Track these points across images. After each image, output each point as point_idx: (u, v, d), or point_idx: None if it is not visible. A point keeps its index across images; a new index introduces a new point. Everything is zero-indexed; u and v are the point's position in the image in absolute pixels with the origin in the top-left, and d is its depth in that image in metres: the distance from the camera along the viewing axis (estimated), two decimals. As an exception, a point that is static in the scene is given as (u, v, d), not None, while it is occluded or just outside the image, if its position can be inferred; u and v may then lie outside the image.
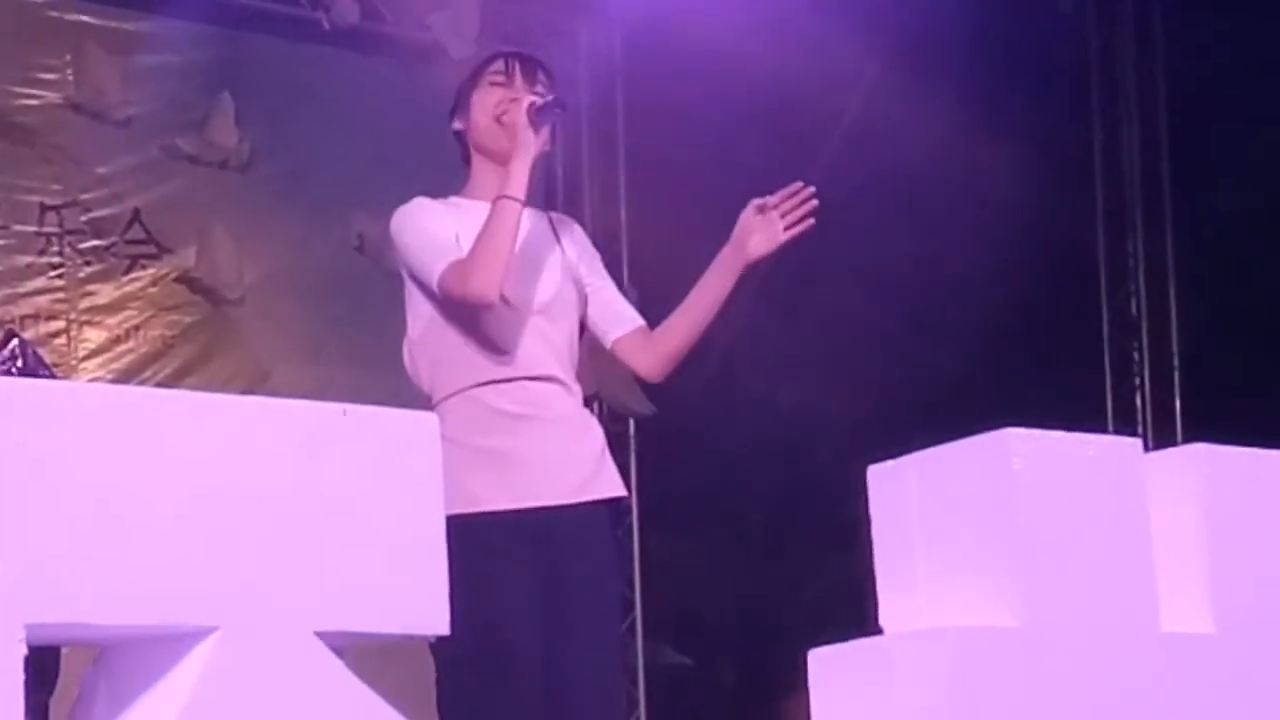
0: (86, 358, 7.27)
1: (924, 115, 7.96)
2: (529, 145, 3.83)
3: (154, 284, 7.45)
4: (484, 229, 3.76)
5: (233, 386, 7.34)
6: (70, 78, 7.34)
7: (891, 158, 8.00)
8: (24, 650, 2.21)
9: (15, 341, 4.56)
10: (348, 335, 7.48)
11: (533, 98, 3.88)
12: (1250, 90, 8.21)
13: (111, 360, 7.31)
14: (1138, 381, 8.93)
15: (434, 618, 2.48)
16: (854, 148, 8.13)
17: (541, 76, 3.98)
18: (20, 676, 2.20)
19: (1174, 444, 3.78)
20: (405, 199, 4.00)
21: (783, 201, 3.94)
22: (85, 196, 7.36)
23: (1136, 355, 8.94)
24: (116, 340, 7.35)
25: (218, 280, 7.55)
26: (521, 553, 3.75)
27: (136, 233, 7.46)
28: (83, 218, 7.34)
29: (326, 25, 7.67)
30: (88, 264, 7.33)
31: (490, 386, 3.81)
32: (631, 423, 8.19)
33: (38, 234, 7.26)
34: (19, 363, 4.46)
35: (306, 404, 2.48)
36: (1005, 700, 2.76)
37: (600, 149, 8.07)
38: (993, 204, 8.13)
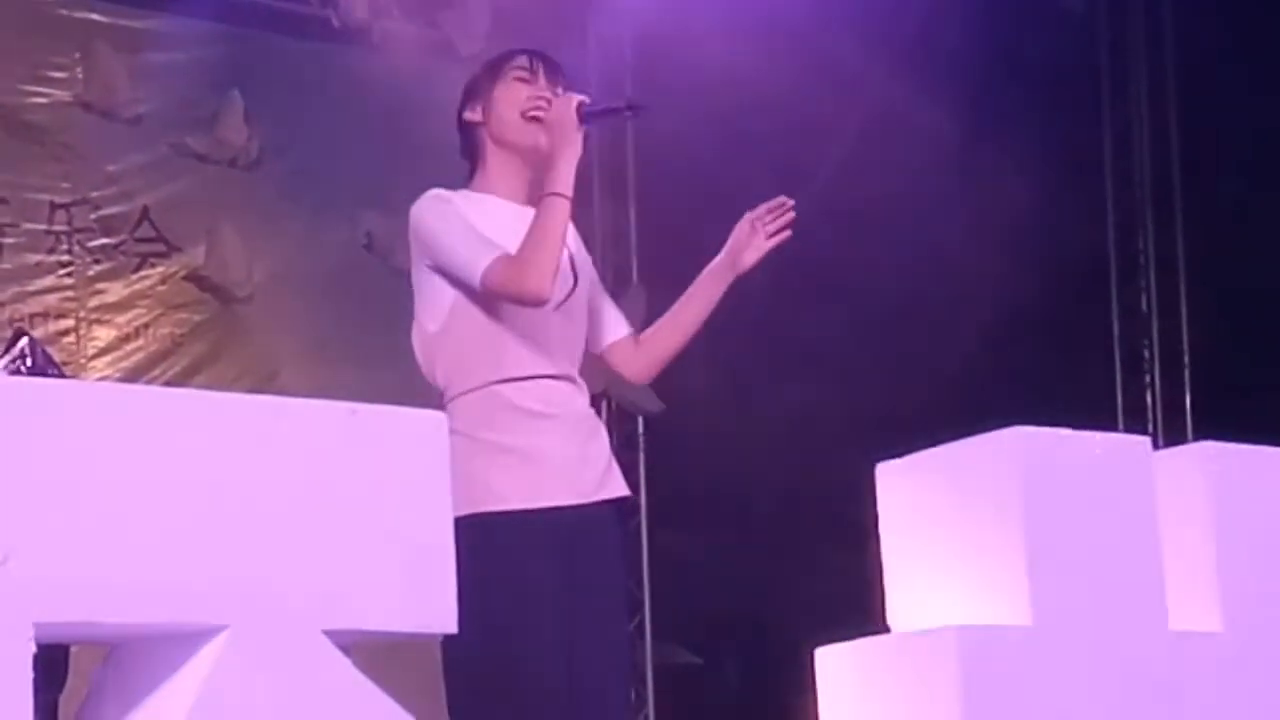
0: (95, 356, 7.27)
1: (934, 113, 7.96)
2: (577, 144, 3.84)
3: (163, 282, 7.46)
4: (536, 226, 3.76)
5: (241, 384, 7.35)
6: (79, 76, 7.35)
7: (902, 155, 7.99)
8: (33, 648, 2.21)
9: (25, 340, 4.55)
10: (356, 333, 7.48)
11: (582, 97, 3.88)
12: (1261, 87, 8.20)
13: (120, 359, 7.32)
14: (1148, 378, 8.92)
15: (442, 616, 2.48)
16: (865, 145, 8.12)
17: (561, 78, 3.98)
18: (29, 675, 2.21)
19: (1185, 441, 3.79)
20: (414, 197, 3.98)
21: (767, 214, 3.99)
22: (94, 194, 7.36)
23: (1147, 352, 8.93)
24: (125, 338, 7.35)
25: (226, 278, 7.55)
26: (542, 553, 3.74)
27: (146, 231, 7.47)
28: (92, 216, 7.35)
29: (336, 23, 7.67)
30: (97, 262, 7.34)
31: (512, 384, 3.80)
32: (640, 421, 8.19)
33: (47, 232, 7.27)
34: (28, 361, 4.46)
35: (315, 403, 2.48)
36: (1013, 698, 2.76)
37: (609, 146, 8.07)
38: (1003, 201, 8.12)
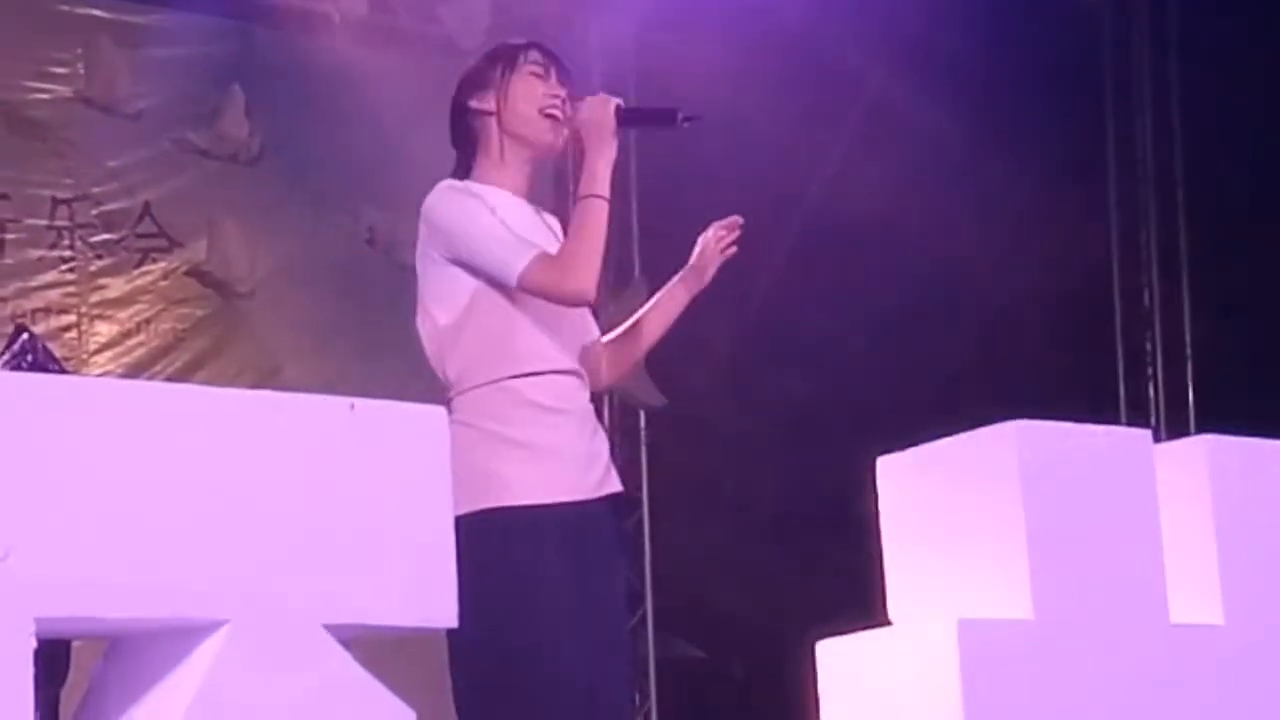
0: (97, 351, 7.28)
1: (937, 107, 7.96)
2: (614, 146, 3.86)
3: (165, 277, 7.47)
4: (579, 227, 3.78)
5: (243, 379, 7.35)
6: (81, 71, 7.35)
7: (904, 152, 7.99)
8: (33, 643, 2.21)
9: (25, 336, 4.57)
10: (358, 328, 7.48)
11: (618, 100, 3.90)
12: (1264, 81, 8.19)
13: (122, 354, 7.33)
14: (1151, 371, 8.92)
15: (443, 611, 2.48)
16: (867, 140, 8.12)
17: (567, 75, 3.99)
18: (30, 670, 2.21)
19: (1187, 434, 3.78)
20: (415, 191, 3.97)
21: (724, 230, 4.09)
22: (96, 190, 7.37)
23: (1149, 345, 8.93)
24: (127, 334, 7.36)
25: (228, 273, 7.56)
26: (554, 548, 3.74)
27: (147, 226, 7.48)
28: (94, 211, 7.36)
29: (337, 18, 7.67)
30: (99, 258, 7.34)
31: (527, 378, 3.80)
32: (642, 415, 8.19)
33: (49, 228, 7.27)
34: (29, 357, 4.47)
35: (314, 398, 2.48)
36: (1014, 691, 2.76)
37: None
38: (1006, 195, 8.12)
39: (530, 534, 3.69)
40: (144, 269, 7.43)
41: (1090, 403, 7.70)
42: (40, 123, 7.26)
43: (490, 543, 3.61)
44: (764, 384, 8.10)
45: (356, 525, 2.42)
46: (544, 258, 3.75)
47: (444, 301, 3.83)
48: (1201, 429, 3.29)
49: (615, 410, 8.04)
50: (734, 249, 4.10)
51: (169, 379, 7.15)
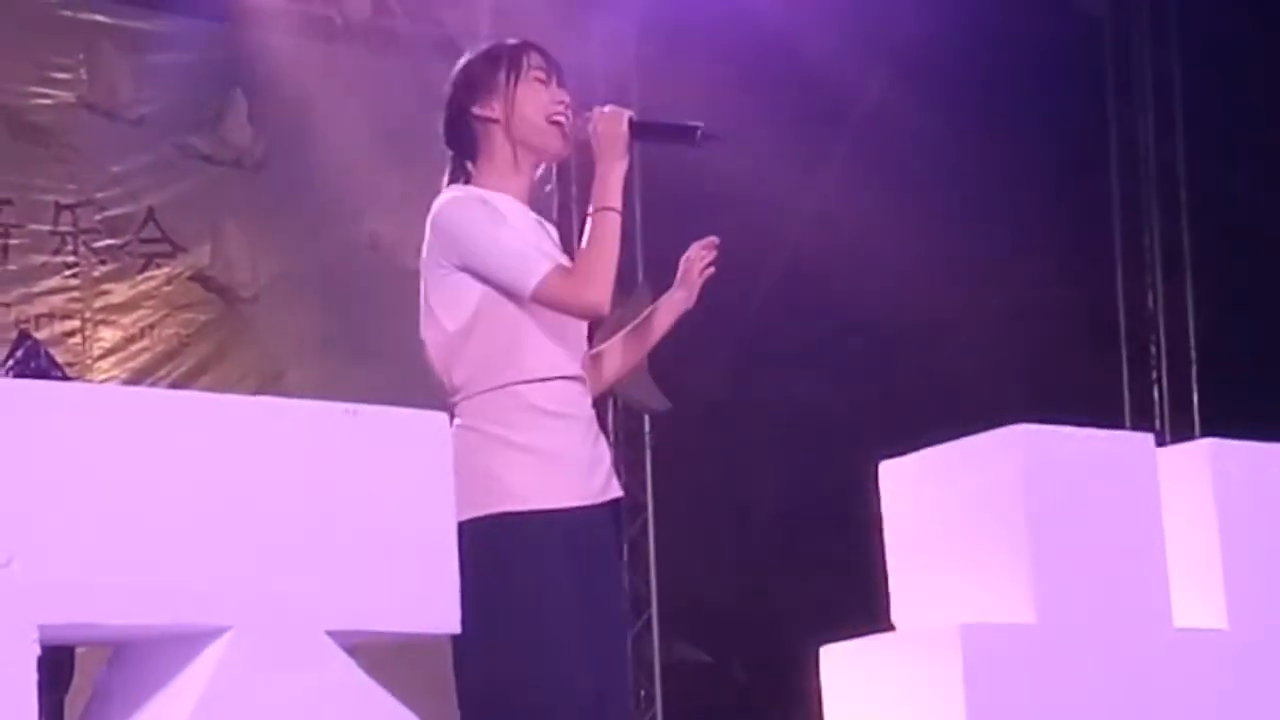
0: (101, 356, 7.28)
1: (939, 108, 7.95)
2: (626, 159, 3.86)
3: (168, 283, 7.47)
4: (594, 241, 3.78)
5: (246, 384, 7.35)
6: (84, 77, 7.36)
7: (906, 151, 7.99)
8: (38, 650, 2.21)
9: (29, 342, 4.57)
10: (361, 332, 7.48)
11: (630, 112, 3.89)
12: (1266, 80, 8.19)
13: (126, 359, 7.33)
14: (1155, 375, 8.91)
15: (445, 616, 2.48)
16: (869, 141, 8.12)
17: (564, 79, 3.98)
18: (34, 676, 2.21)
19: (1192, 437, 3.79)
20: (418, 196, 3.96)
21: (704, 251, 4.09)
22: (100, 195, 7.37)
23: (1154, 348, 8.93)
24: (131, 339, 7.36)
25: (232, 279, 7.56)
26: (560, 553, 3.74)
27: (151, 231, 7.48)
28: (97, 217, 7.36)
29: (339, 22, 7.68)
30: (102, 263, 7.35)
31: (532, 384, 3.79)
32: (646, 419, 8.19)
33: (52, 233, 7.27)
34: (32, 363, 4.47)
35: (316, 404, 2.48)
36: (1018, 695, 2.76)
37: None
38: (1008, 196, 8.12)
39: (534, 539, 3.69)
40: (147, 274, 7.44)
41: (1094, 406, 7.70)
42: (43, 128, 7.27)
43: (494, 547, 3.61)
44: (767, 388, 8.10)
45: (358, 531, 2.42)
46: (559, 270, 3.75)
47: (451, 308, 3.82)
48: (1206, 432, 3.29)
49: (619, 414, 8.04)
50: (712, 269, 4.09)
51: (173, 384, 7.15)
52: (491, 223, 3.78)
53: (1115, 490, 2.89)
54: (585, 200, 3.95)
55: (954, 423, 3.13)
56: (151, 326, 7.40)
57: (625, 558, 4.08)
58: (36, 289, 7.21)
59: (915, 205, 8.04)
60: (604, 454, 3.88)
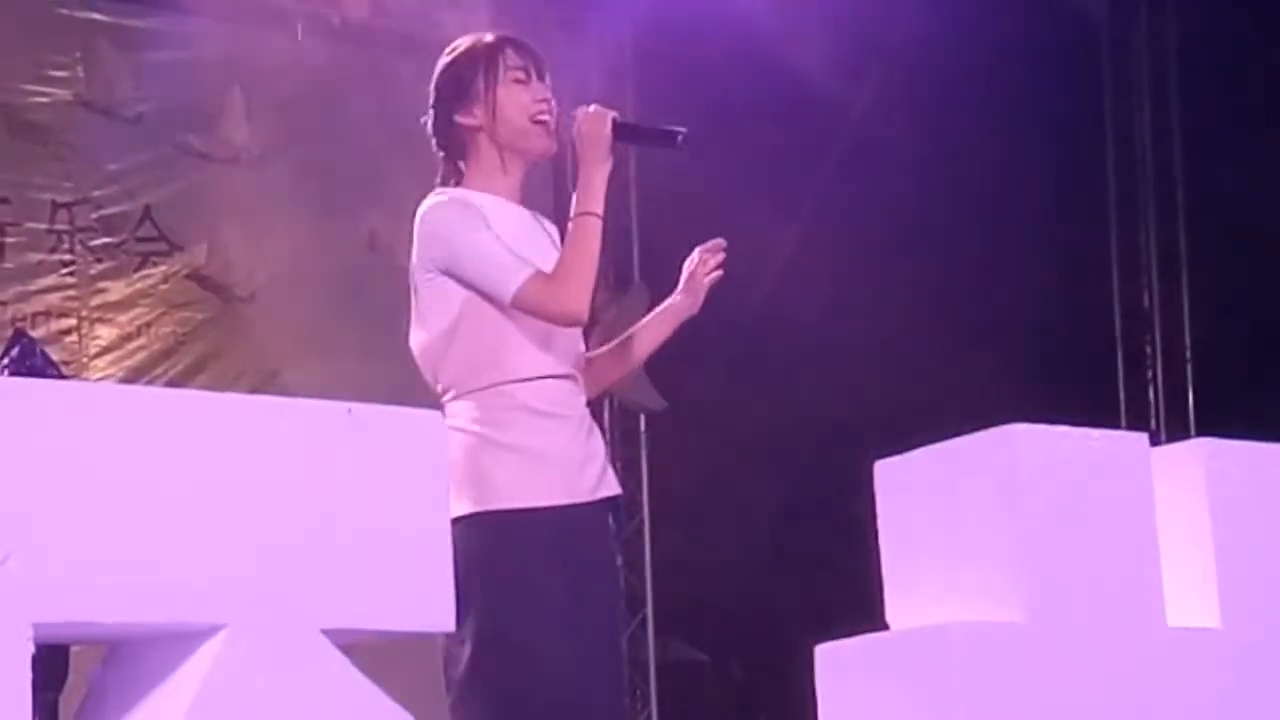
0: (98, 355, 7.28)
1: (936, 109, 7.96)
2: (609, 161, 3.85)
3: (165, 281, 7.47)
4: (573, 247, 3.76)
5: (243, 383, 7.36)
6: (81, 75, 7.36)
7: (903, 152, 7.99)
8: (32, 649, 2.22)
9: (24, 340, 4.57)
10: (358, 332, 7.48)
11: (614, 113, 3.88)
12: (1263, 80, 8.20)
13: (123, 357, 7.33)
14: (1150, 374, 8.92)
15: (440, 616, 2.48)
16: (866, 142, 8.13)
17: (545, 69, 3.97)
18: (28, 675, 2.21)
19: (1187, 436, 3.79)
20: (416, 194, 3.96)
21: (708, 254, 4.04)
22: (96, 194, 7.37)
23: (1149, 348, 8.93)
24: (127, 337, 7.36)
25: (228, 277, 7.56)
26: (550, 552, 3.74)
27: (147, 230, 7.48)
28: (94, 215, 7.36)
29: (337, 21, 7.68)
30: (99, 261, 7.35)
31: (521, 384, 3.79)
32: (642, 419, 8.20)
33: (49, 231, 7.28)
34: (28, 362, 4.47)
35: (312, 402, 2.48)
36: (1012, 695, 2.76)
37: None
38: (1004, 196, 8.13)
39: (519, 537, 3.69)
40: (144, 273, 7.44)
41: (1090, 405, 7.70)
42: (40, 126, 7.27)
43: (479, 545, 3.60)
44: (763, 387, 8.10)
45: (354, 530, 2.42)
46: (538, 278, 3.73)
47: (436, 310, 3.82)
48: (1202, 431, 3.29)
49: (615, 413, 8.05)
50: (720, 272, 4.06)
51: (169, 383, 7.15)
52: (471, 228, 3.77)
53: (1109, 490, 2.89)
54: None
55: (951, 422, 3.13)
56: (148, 325, 7.41)
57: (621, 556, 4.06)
58: (33, 287, 7.21)
59: (912, 204, 8.05)
60: (597, 452, 3.87)
